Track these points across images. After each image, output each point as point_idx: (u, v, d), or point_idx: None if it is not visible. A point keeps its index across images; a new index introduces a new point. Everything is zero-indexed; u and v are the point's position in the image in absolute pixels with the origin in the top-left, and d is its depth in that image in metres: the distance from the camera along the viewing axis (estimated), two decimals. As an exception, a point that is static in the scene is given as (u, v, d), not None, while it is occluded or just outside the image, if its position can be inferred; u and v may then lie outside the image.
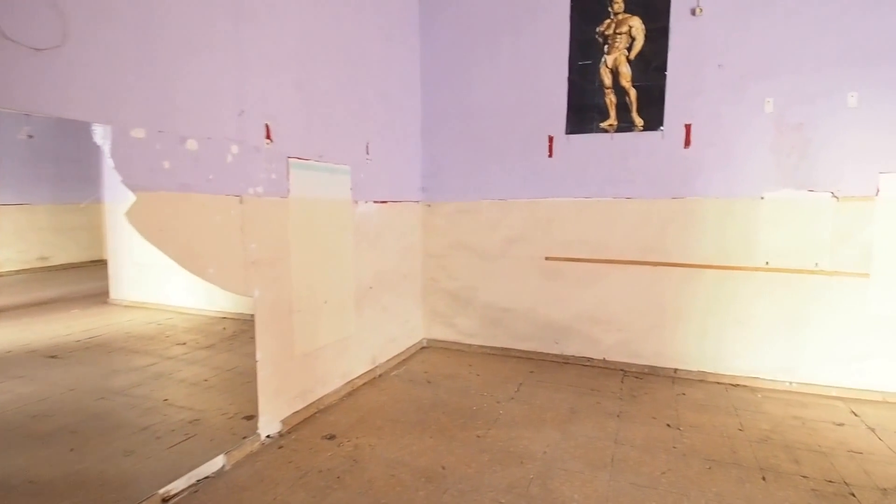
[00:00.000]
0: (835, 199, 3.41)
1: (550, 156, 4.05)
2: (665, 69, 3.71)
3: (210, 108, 2.40)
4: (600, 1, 3.84)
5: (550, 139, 4.04)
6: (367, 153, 3.64)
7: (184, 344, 4.26)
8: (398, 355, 4.09)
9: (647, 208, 3.82)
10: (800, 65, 3.41)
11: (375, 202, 3.75)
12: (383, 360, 3.87)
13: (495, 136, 4.20)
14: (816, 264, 3.46)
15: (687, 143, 3.69)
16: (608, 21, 3.82)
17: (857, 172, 3.35)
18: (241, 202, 2.56)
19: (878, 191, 3.32)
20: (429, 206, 4.45)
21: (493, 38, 4.15)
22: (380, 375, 3.74)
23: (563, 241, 4.05)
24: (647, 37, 3.73)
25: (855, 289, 3.38)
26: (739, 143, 3.58)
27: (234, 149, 2.53)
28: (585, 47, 3.90)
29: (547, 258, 4.11)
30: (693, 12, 3.62)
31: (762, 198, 3.55)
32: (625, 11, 3.78)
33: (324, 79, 3.16)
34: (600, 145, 3.91)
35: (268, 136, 2.73)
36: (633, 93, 3.79)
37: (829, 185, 3.42)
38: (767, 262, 3.57)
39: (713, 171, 3.64)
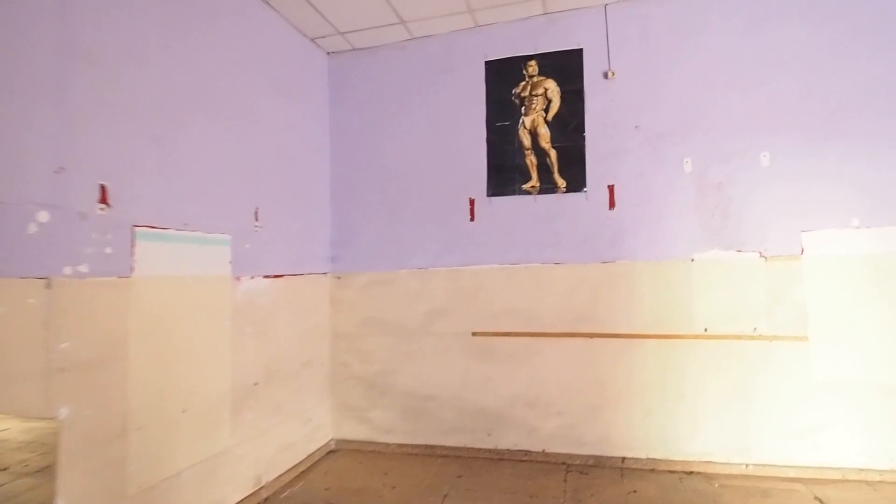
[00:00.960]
0: (763, 258, 3.27)
1: (472, 219, 3.69)
2: (583, 130, 3.56)
3: (2, 163, 1.79)
4: (514, 64, 3.72)
5: (472, 202, 3.70)
6: (257, 220, 3.08)
7: (5, 469, 3.20)
8: (296, 466, 3.30)
9: (576, 274, 3.51)
10: (712, 126, 3.38)
11: (267, 277, 3.15)
12: (273, 476, 3.07)
13: (413, 200, 3.81)
14: (755, 329, 3.23)
15: (611, 204, 3.48)
16: (523, 83, 3.69)
17: (780, 231, 3.25)
18: (48, 286, 1.89)
19: (802, 250, 3.21)
20: (339, 277, 3.89)
21: (409, 97, 3.89)
22: (266, 499, 2.93)
23: (491, 312, 3.60)
24: (563, 99, 3.61)
25: (796, 354, 3.16)
26: (664, 203, 3.41)
27: (43, 216, 1.90)
28: (503, 108, 3.71)
29: (474, 333, 3.62)
30: (606, 76, 3.56)
31: (692, 260, 3.35)
32: (539, 74, 3.67)
33: (197, 133, 2.64)
34: (524, 207, 3.62)
35: (103, 200, 2.12)
36: (553, 154, 3.59)
37: (756, 245, 3.28)
38: (706, 329, 3.30)
39: (640, 232, 3.43)
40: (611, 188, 3.49)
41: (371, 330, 3.78)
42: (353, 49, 4.02)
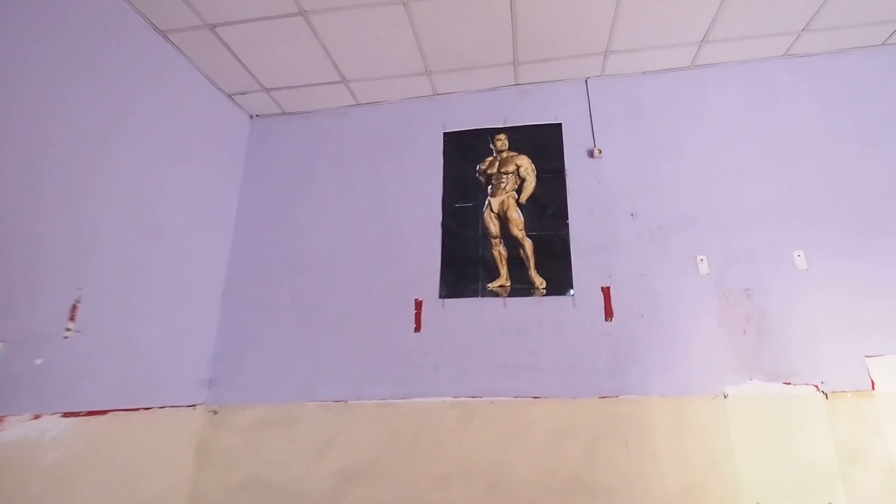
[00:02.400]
0: (822, 394, 2.32)
1: (418, 330, 2.64)
2: (566, 216, 2.76)
3: None
4: (480, 137, 3.01)
5: (418, 305, 2.69)
6: (72, 319, 1.93)
7: None
8: None
9: (564, 413, 2.42)
10: (727, 216, 2.64)
11: (68, 415, 1.90)
12: None
13: (336, 299, 2.77)
14: (832, 506, 2.16)
15: (608, 313, 2.55)
16: (490, 159, 2.95)
17: (838, 356, 2.36)
18: None
19: (872, 383, 2.30)
20: (214, 412, 2.63)
21: (345, 170, 3.06)
22: None
23: (438, 475, 2.39)
24: (539, 179, 2.86)
25: (900, 550, 2.06)
26: (678, 313, 2.51)
27: None
28: (464, 187, 2.91)
29: (414, 508, 2.36)
30: (591, 154, 2.87)
31: (725, 395, 2.36)
32: (510, 149, 2.96)
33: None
34: (489, 314, 2.63)
35: None
36: (528, 244, 2.72)
37: (810, 375, 2.35)
38: (761, 506, 2.20)
39: (650, 354, 2.46)
40: (606, 291, 2.59)
41: (253, 501, 2.43)
42: (283, 113, 3.26)
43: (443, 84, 3.05)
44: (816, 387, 2.33)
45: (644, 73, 3.03)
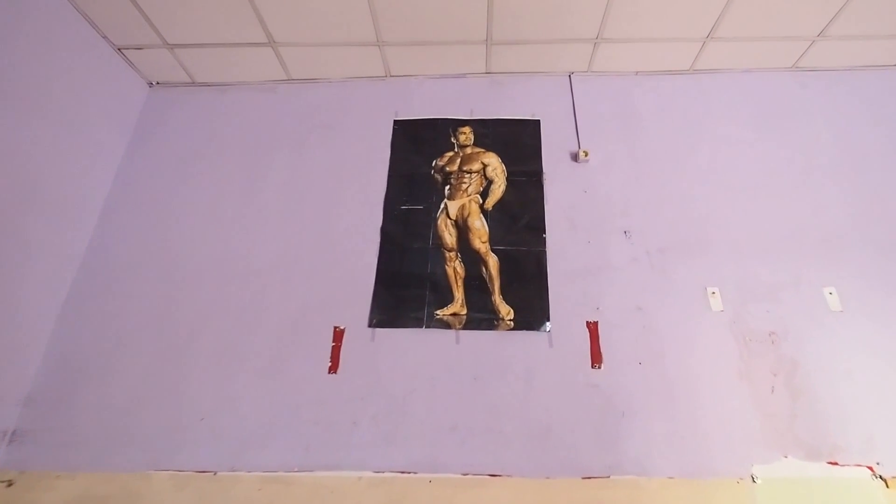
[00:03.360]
0: (879, 481, 1.70)
1: (334, 370, 1.89)
2: (543, 229, 2.14)
3: None
4: (439, 128, 2.41)
5: (338, 336, 1.95)
6: None
7: None
8: None
9: (534, 500, 1.69)
10: (740, 242, 2.11)
11: None
12: None
13: (221, 323, 1.99)
14: None
15: (595, 357, 1.89)
16: (451, 154, 2.34)
17: (894, 427, 1.77)
18: None
19: (940, 469, 1.71)
20: (9, 483, 1.73)
21: (261, 154, 2.37)
22: None
23: None
24: (511, 182, 2.25)
25: None
26: (686, 361, 1.88)
27: None
28: (415, 185, 2.27)
29: None
30: (575, 157, 2.31)
31: (754, 479, 1.70)
32: (476, 145, 2.36)
33: None
34: (437, 353, 1.92)
35: None
36: (492, 261, 2.07)
37: (860, 453, 1.75)
38: None
39: (652, 417, 1.80)
40: (592, 328, 1.94)
41: None
42: (193, 83, 2.57)
43: (398, 61, 2.47)
44: (871, 469, 1.72)
45: (637, 73, 2.56)
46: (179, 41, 2.32)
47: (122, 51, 2.36)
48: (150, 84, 2.57)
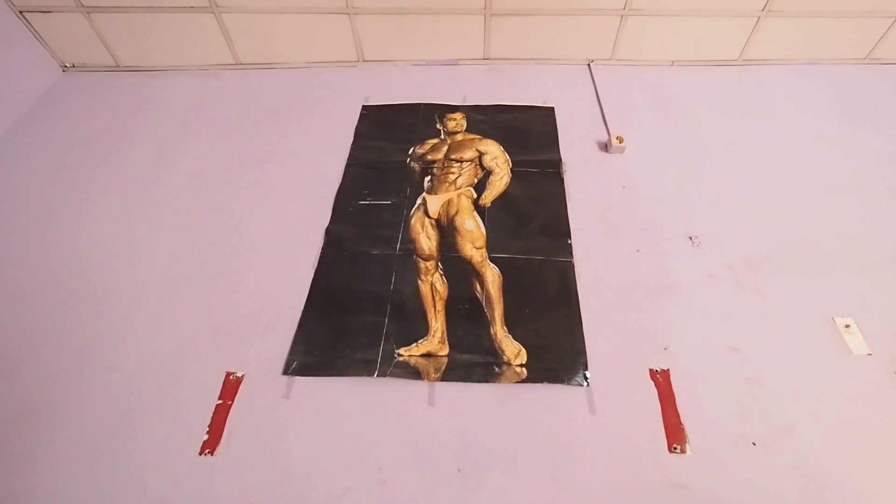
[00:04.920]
0: None
1: (211, 449, 1.06)
2: (567, 233, 1.43)
3: None
4: (420, 114, 1.81)
5: (229, 388, 1.15)
6: None
7: None
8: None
9: None
10: (864, 255, 1.39)
11: None
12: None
13: (50, 352, 1.20)
14: None
15: (673, 433, 1.07)
16: (435, 142, 1.71)
17: None
18: None
19: None
20: None
21: (181, 140, 1.74)
22: None
23: None
24: (517, 174, 1.59)
25: None
26: (831, 440, 1.05)
27: None
28: (381, 176, 1.61)
29: None
30: (606, 147, 1.68)
31: None
32: (467, 131, 1.74)
33: None
34: (394, 421, 1.11)
35: None
36: (491, 275, 1.33)
37: None
38: None
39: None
40: (662, 381, 1.14)
41: None
42: (118, 68, 2.05)
43: (372, 41, 1.95)
44: None
45: (673, 62, 2.03)
46: (96, 3, 1.82)
47: (25, 14, 1.85)
48: (64, 67, 2.05)
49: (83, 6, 1.83)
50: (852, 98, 1.88)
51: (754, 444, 1.05)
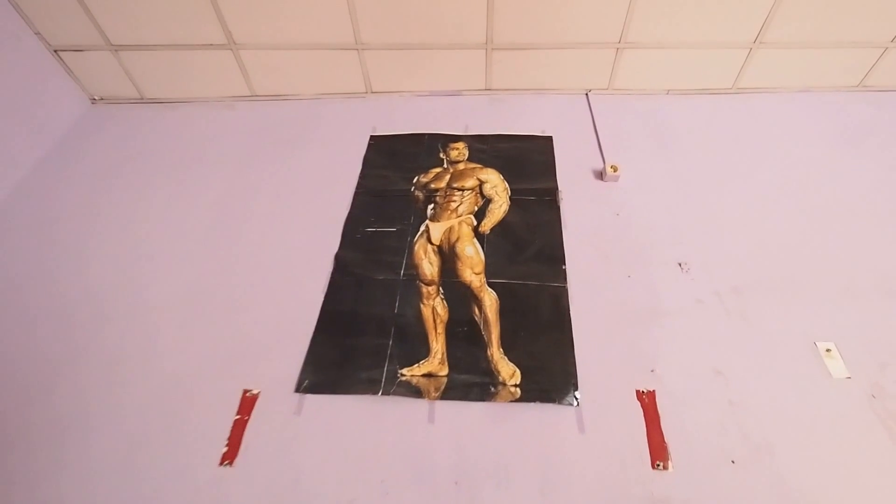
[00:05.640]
0: None
1: (230, 460, 1.16)
2: (562, 259, 1.52)
3: None
4: (424, 144, 1.92)
5: (246, 404, 1.25)
6: None
7: None
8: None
9: None
10: (847, 282, 1.45)
11: None
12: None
13: (79, 372, 1.31)
14: None
15: (657, 451, 1.14)
16: (438, 171, 1.81)
17: None
18: None
19: None
20: None
21: (199, 168, 1.87)
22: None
23: None
24: (515, 202, 1.69)
25: None
26: (809, 459, 1.11)
27: None
28: (387, 205, 1.71)
29: None
30: (601, 175, 1.77)
31: None
32: (469, 160, 1.85)
33: None
34: (396, 436, 1.19)
35: None
36: (489, 300, 1.42)
37: None
38: None
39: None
40: (647, 401, 1.22)
41: None
42: (142, 100, 2.19)
43: (380, 73, 2.07)
44: None
45: (668, 91, 2.12)
46: (124, 42, 1.97)
47: (59, 53, 2.01)
48: (93, 100, 2.20)
49: (112, 45, 1.98)
50: (845, 125, 1.95)
51: (733, 461, 1.12)
